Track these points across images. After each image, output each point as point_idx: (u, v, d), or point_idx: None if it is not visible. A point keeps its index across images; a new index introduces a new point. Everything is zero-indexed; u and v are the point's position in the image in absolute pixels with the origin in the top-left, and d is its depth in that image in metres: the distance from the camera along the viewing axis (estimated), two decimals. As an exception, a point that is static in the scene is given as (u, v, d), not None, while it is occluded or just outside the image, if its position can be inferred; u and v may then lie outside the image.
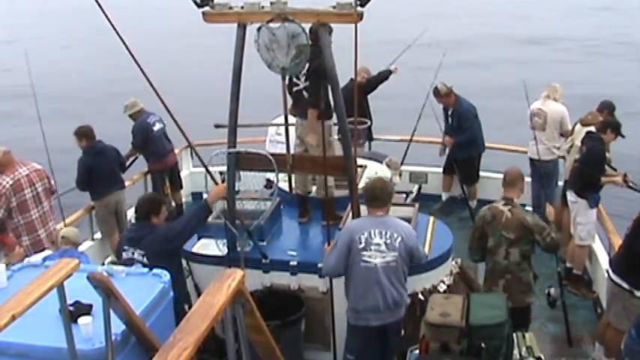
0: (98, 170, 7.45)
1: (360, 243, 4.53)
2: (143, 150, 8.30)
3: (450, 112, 8.27)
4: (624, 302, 5.09)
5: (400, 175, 8.01)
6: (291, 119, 5.65)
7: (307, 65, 5.25)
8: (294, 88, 5.68)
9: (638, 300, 4.99)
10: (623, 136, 6.66)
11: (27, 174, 6.64)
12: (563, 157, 7.71)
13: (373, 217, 4.67)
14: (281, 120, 8.00)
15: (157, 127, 8.26)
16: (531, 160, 7.98)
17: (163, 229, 5.09)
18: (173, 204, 8.54)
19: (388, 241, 4.55)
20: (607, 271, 5.38)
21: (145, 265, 4.99)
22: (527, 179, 7.95)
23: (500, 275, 5.22)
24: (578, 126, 7.35)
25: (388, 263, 4.55)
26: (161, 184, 8.35)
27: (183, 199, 9.25)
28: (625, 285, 5.08)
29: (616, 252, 5.58)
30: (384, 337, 4.74)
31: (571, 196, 6.73)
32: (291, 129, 5.66)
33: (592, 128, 6.89)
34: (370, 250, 4.53)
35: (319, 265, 5.16)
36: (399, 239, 4.59)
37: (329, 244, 4.89)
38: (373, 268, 4.54)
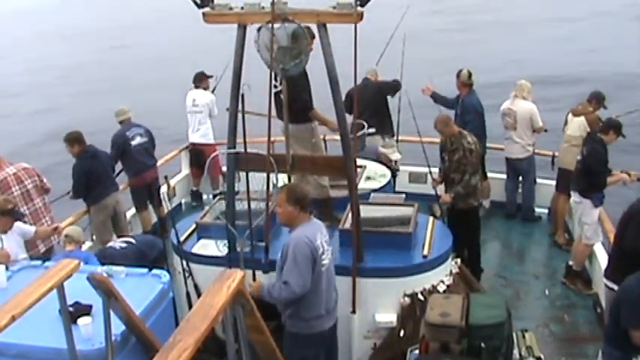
0: (96, 173, 7.20)
1: (319, 249, 4.49)
2: (121, 163, 7.89)
3: (459, 102, 8.20)
4: None
5: (400, 152, 8.24)
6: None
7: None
8: (273, 90, 5.34)
9: None
10: (624, 136, 6.64)
11: (14, 172, 6.62)
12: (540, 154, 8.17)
13: (309, 222, 4.63)
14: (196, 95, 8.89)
15: (137, 140, 7.85)
16: (507, 158, 8.30)
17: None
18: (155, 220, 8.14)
19: (325, 238, 4.64)
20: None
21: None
22: (503, 176, 8.47)
23: None
24: (570, 116, 7.66)
25: (329, 259, 4.66)
26: (140, 200, 8.03)
27: (183, 200, 9.26)
28: (616, 288, 4.89)
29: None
30: (334, 338, 4.82)
31: (575, 196, 6.73)
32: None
33: (582, 118, 7.34)
34: (325, 252, 4.57)
35: None
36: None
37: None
38: (328, 268, 4.62)
